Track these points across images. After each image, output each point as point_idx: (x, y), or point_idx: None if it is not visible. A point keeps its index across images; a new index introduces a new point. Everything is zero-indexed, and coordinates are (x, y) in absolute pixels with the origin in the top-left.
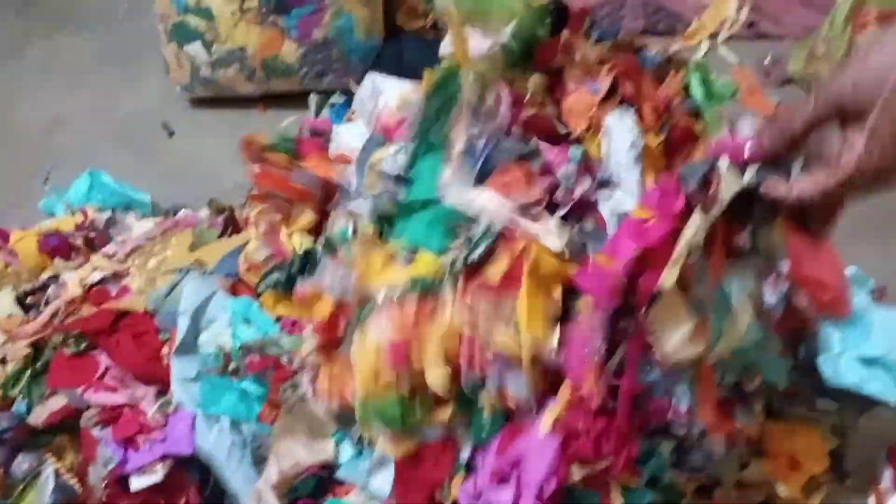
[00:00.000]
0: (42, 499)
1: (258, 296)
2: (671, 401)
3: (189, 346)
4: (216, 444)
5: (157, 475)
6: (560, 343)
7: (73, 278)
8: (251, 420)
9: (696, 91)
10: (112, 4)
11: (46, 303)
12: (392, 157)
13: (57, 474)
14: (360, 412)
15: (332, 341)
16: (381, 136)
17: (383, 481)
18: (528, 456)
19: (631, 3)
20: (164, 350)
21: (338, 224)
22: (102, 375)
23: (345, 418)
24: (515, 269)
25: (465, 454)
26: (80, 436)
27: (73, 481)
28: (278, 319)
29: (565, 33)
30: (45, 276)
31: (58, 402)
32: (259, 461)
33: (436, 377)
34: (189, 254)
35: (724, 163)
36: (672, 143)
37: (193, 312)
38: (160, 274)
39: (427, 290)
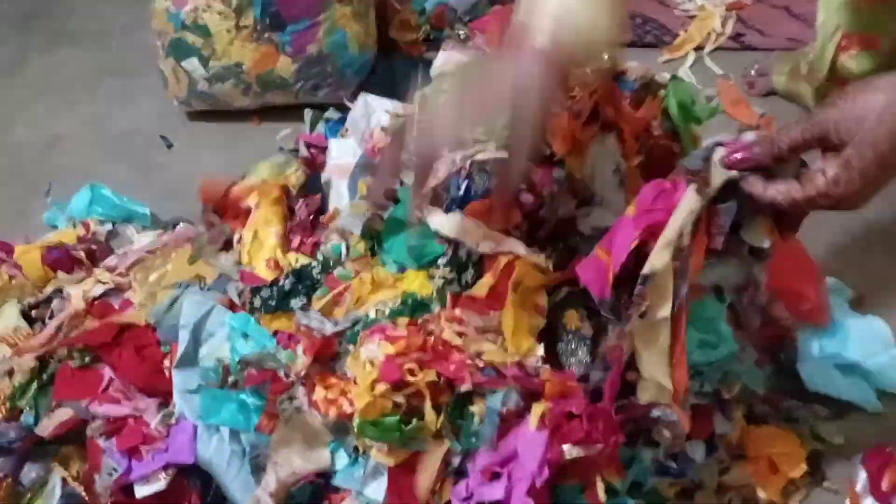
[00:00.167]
0: None
1: (252, 312)
2: None
3: (189, 360)
4: (216, 453)
5: (160, 483)
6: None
7: (77, 292)
8: (250, 430)
9: (674, 113)
10: (109, 21)
11: (51, 316)
12: None
13: (64, 482)
14: (357, 425)
15: (326, 357)
16: (371, 157)
17: (377, 489)
18: (519, 451)
19: None
20: (166, 363)
21: (331, 241)
22: (106, 387)
23: (339, 428)
24: (500, 284)
25: (455, 461)
26: (86, 445)
27: (80, 489)
28: (275, 334)
29: None
30: (49, 289)
31: (64, 414)
32: (258, 469)
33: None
34: (189, 268)
35: (718, 153)
36: (651, 163)
37: (193, 326)
38: (161, 288)
39: (416, 308)
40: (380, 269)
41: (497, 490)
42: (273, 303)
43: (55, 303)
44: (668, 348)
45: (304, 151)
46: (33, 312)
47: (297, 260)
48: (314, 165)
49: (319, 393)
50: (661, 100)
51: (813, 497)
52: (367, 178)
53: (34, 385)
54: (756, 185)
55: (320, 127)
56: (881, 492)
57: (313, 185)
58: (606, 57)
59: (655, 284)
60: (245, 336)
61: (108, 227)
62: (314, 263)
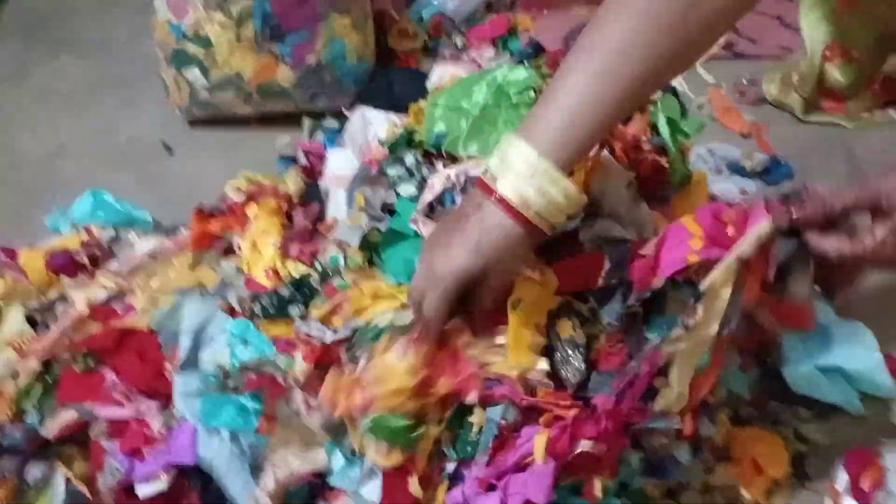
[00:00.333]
0: None
1: (251, 318)
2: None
3: (190, 364)
4: (217, 454)
5: (161, 483)
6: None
7: (80, 297)
8: (249, 432)
9: (662, 128)
10: (111, 30)
11: (55, 320)
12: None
13: (67, 482)
14: (372, 421)
15: (325, 364)
16: (369, 168)
17: (373, 489)
18: (527, 484)
19: None
20: (167, 366)
21: (329, 252)
22: (109, 390)
23: (336, 429)
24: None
25: (450, 467)
26: (89, 446)
27: (83, 488)
28: (274, 340)
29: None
30: (52, 294)
31: (68, 416)
32: (256, 470)
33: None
34: (190, 274)
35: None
36: (641, 178)
37: (194, 332)
38: (162, 294)
39: None
40: (379, 281)
41: (492, 502)
42: (272, 310)
43: (59, 307)
44: (702, 367)
45: (302, 160)
46: (38, 317)
47: (296, 269)
48: (312, 173)
49: (328, 391)
50: (649, 115)
51: (795, 497)
52: (364, 189)
53: (39, 388)
54: (812, 234)
55: (319, 135)
56: (861, 492)
57: (312, 193)
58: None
59: (709, 300)
60: (245, 342)
61: (111, 232)
62: (313, 273)
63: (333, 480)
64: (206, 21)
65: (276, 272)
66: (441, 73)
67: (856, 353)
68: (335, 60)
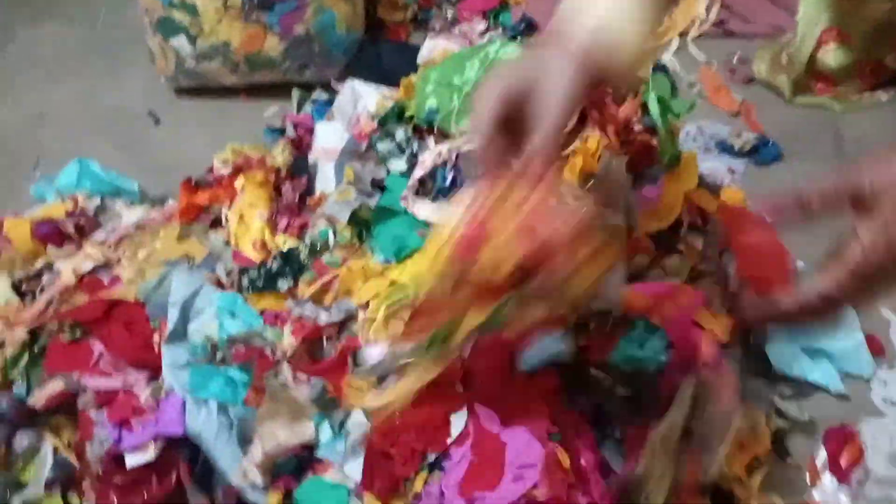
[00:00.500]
0: (42, 473)
1: (240, 291)
2: None
3: (178, 335)
4: (205, 425)
5: (149, 454)
6: None
7: (67, 267)
8: (237, 404)
9: (653, 109)
10: None
11: (41, 290)
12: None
13: (55, 451)
14: (430, 337)
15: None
16: (358, 143)
17: (356, 467)
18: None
19: None
20: (155, 338)
21: (318, 227)
22: (97, 361)
23: (324, 402)
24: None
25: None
26: (78, 416)
27: (72, 458)
28: (261, 313)
29: None
30: (39, 264)
31: (55, 386)
32: (244, 442)
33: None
34: (177, 245)
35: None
36: (632, 157)
37: (182, 304)
38: (150, 265)
39: None
40: (369, 260)
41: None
42: (260, 283)
43: (45, 277)
44: None
45: (290, 131)
46: (24, 286)
47: (284, 242)
48: (301, 146)
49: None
50: (641, 96)
51: (776, 473)
52: (353, 164)
53: (25, 357)
54: (785, 301)
55: (307, 107)
56: (839, 468)
57: (300, 165)
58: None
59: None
60: (232, 314)
61: (97, 201)
62: (301, 247)
63: (321, 452)
64: None
65: (263, 245)
66: (432, 47)
67: (838, 332)
68: (324, 30)
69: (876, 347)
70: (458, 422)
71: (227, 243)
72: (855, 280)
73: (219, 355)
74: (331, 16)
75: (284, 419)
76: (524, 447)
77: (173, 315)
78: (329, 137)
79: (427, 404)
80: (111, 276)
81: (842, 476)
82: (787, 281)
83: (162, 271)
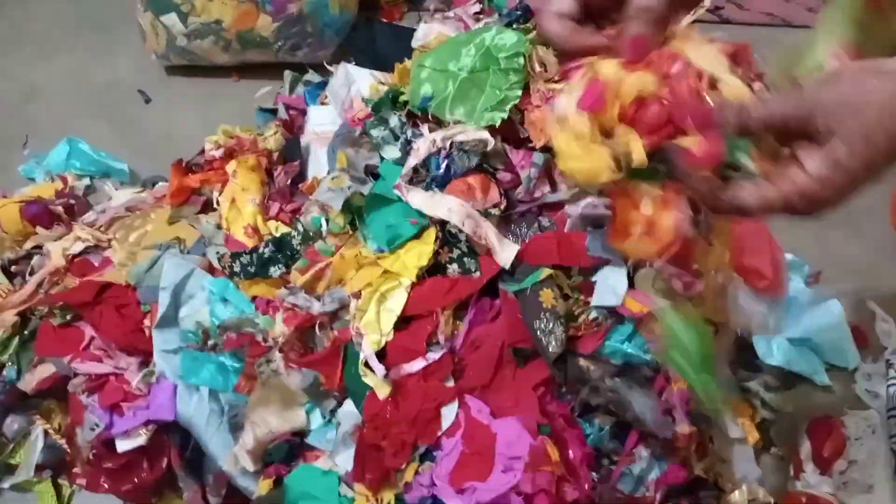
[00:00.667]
0: (32, 456)
1: (231, 277)
2: None
3: (170, 321)
4: (196, 411)
5: (141, 439)
6: None
7: (57, 249)
8: (228, 390)
9: None
10: None
11: (31, 272)
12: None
13: (46, 435)
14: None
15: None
16: (352, 128)
17: (346, 458)
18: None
19: None
20: (146, 322)
21: (311, 213)
22: (88, 345)
23: (316, 391)
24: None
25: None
26: (69, 401)
27: (62, 442)
28: (253, 299)
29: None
30: (28, 245)
31: (46, 370)
32: (235, 428)
33: None
34: (168, 229)
35: None
36: None
37: (173, 288)
38: (141, 249)
39: None
40: (361, 248)
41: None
42: (252, 269)
43: (35, 259)
44: None
45: (282, 113)
46: (13, 268)
47: (276, 228)
48: (292, 128)
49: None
50: None
51: (761, 462)
52: (346, 150)
53: (16, 340)
54: (717, 194)
55: (300, 89)
56: (822, 458)
57: (292, 149)
58: None
59: None
60: (224, 300)
61: (86, 181)
62: (294, 233)
63: (311, 440)
64: None
65: (255, 230)
66: (427, 31)
67: (824, 325)
68: (317, 10)
69: (861, 339)
70: (449, 413)
71: (219, 227)
72: (788, 209)
73: (210, 342)
74: None
75: (276, 406)
76: (515, 438)
77: (164, 300)
78: (322, 121)
79: (418, 398)
80: (101, 258)
81: (825, 467)
82: (776, 270)
83: (153, 255)
